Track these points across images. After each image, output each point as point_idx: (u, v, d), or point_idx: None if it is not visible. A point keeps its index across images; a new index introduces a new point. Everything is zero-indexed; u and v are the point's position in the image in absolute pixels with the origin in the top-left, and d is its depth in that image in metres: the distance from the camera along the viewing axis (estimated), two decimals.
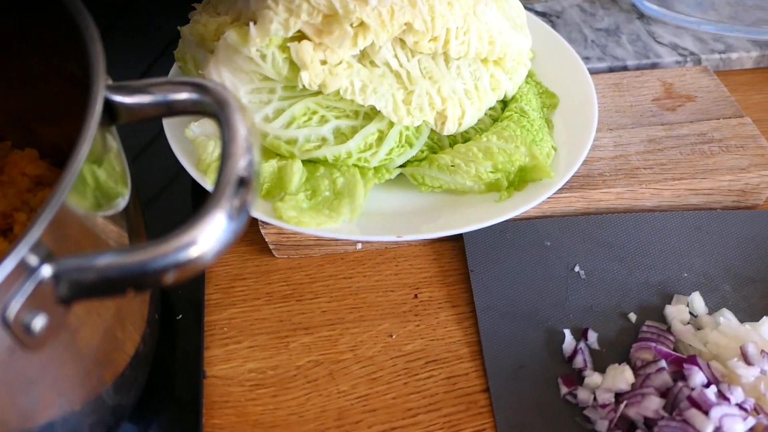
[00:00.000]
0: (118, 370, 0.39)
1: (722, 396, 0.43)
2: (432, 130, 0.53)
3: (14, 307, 0.27)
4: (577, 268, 0.53)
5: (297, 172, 0.50)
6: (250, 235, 0.55)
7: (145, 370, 0.44)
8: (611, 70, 0.70)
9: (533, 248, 0.54)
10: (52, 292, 0.28)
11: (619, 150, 0.59)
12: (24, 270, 0.27)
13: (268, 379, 0.48)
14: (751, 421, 0.41)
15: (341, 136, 0.51)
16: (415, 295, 0.53)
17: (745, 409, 0.42)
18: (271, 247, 0.53)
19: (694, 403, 0.42)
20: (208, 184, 0.50)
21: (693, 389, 0.43)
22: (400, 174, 0.53)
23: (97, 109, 0.32)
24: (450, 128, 0.51)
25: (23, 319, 0.28)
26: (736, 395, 0.43)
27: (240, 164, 0.32)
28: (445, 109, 0.51)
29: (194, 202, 0.59)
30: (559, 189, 0.53)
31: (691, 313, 0.51)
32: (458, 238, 0.55)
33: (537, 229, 0.55)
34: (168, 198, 0.60)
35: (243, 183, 0.32)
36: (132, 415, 0.45)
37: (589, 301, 0.52)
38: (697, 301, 0.51)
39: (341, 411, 0.46)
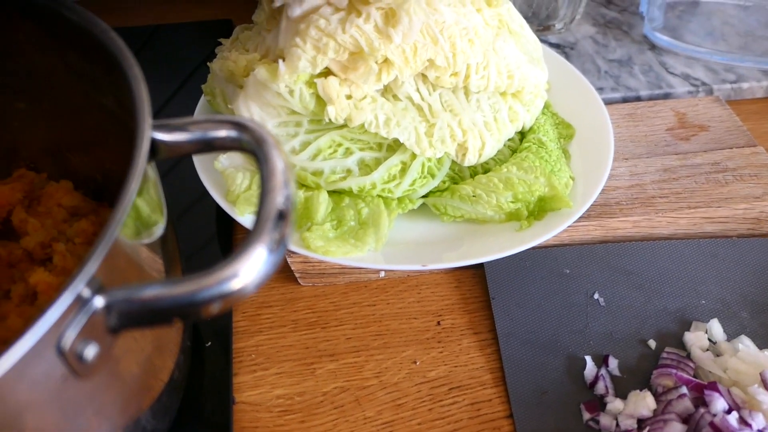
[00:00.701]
0: (155, 395, 0.40)
1: (744, 422, 0.43)
2: (453, 162, 0.54)
3: (69, 337, 0.28)
4: (596, 296, 0.54)
5: (323, 202, 0.51)
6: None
7: (178, 396, 0.45)
8: (625, 100, 0.72)
9: (553, 276, 0.55)
10: (104, 322, 0.30)
11: (635, 179, 0.60)
12: (79, 302, 0.28)
13: (295, 405, 0.49)
14: None
15: (365, 168, 0.52)
16: (438, 322, 0.54)
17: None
18: (297, 275, 0.55)
19: (717, 430, 0.43)
20: (237, 214, 0.51)
21: (715, 415, 0.44)
22: (423, 204, 0.55)
23: (144, 147, 0.33)
24: (471, 159, 0.53)
25: (77, 348, 0.29)
26: (758, 421, 0.43)
27: (279, 198, 0.34)
28: (466, 141, 0.52)
29: (218, 226, 0.61)
30: (578, 218, 0.55)
31: (710, 339, 0.52)
32: (479, 266, 0.57)
33: (556, 257, 0.56)
34: (192, 220, 0.61)
35: (282, 216, 0.34)
36: None
37: (609, 328, 0.53)
38: (716, 327, 0.52)
39: None
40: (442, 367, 0.51)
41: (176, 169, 0.65)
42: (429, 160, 0.53)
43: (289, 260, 0.53)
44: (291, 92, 0.50)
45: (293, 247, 0.50)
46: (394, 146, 0.53)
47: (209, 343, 0.52)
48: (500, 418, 0.48)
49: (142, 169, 0.32)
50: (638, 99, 0.72)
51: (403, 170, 0.52)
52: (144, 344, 0.38)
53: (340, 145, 0.52)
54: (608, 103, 0.69)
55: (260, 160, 0.36)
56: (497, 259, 0.56)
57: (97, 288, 0.29)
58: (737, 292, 0.55)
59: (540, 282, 0.55)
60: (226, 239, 0.60)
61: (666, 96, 0.73)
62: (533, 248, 0.57)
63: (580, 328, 0.53)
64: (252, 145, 0.37)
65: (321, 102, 0.50)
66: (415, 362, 0.51)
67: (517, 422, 0.48)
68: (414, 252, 0.51)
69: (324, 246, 0.49)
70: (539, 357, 0.51)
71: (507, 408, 0.49)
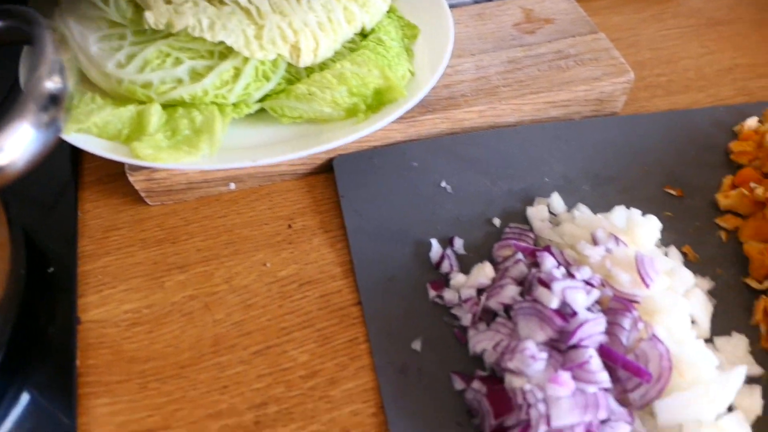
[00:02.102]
0: None
1: (570, 276, 0.45)
2: (289, 64, 0.54)
3: None
4: (443, 184, 0.55)
5: (155, 114, 0.50)
6: (123, 187, 0.55)
7: (7, 326, 0.44)
8: (476, 2, 0.72)
9: (401, 170, 0.56)
10: None
11: (480, 72, 0.61)
12: None
13: (143, 317, 0.48)
14: (595, 294, 0.44)
15: (197, 77, 0.51)
16: (289, 225, 0.54)
17: (591, 284, 0.45)
18: (142, 194, 0.54)
19: (543, 283, 0.44)
20: (64, 132, 0.50)
21: (544, 273, 0.46)
22: (263, 109, 0.54)
23: None
24: (306, 60, 0.53)
25: None
26: (582, 273, 0.45)
27: (48, 82, 0.33)
28: (298, 42, 0.52)
29: None
30: (424, 112, 0.55)
31: (551, 212, 0.54)
32: (330, 169, 0.57)
33: (404, 152, 0.57)
34: None
35: (54, 100, 0.33)
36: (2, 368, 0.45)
37: (456, 213, 0.54)
38: (556, 200, 0.54)
39: (217, 338, 0.47)
40: (293, 266, 0.51)
41: None
42: (262, 63, 0.52)
43: (131, 179, 0.52)
44: (105, 1, 0.48)
45: (121, 158, 0.49)
46: (226, 53, 0.52)
47: (52, 269, 0.51)
48: (349, 306, 0.49)
49: None
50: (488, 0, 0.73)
51: (236, 75, 0.51)
52: None
53: (168, 55, 0.51)
54: (459, 6, 0.69)
55: (33, 42, 0.35)
56: (346, 159, 0.56)
57: None
58: (579, 169, 0.57)
59: (388, 177, 0.56)
60: None
61: None
62: (381, 146, 0.57)
63: (428, 216, 0.54)
64: (25, 30, 0.35)
65: (139, 9, 0.49)
66: (266, 264, 0.51)
67: (366, 307, 0.48)
68: (249, 152, 0.51)
69: (154, 154, 0.48)
70: (387, 246, 0.52)
71: (356, 296, 0.50)
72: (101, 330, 0.48)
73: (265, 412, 0.44)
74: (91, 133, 0.50)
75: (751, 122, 0.60)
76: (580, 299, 0.43)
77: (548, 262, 0.46)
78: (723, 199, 0.55)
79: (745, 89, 0.66)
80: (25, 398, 0.44)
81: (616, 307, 0.44)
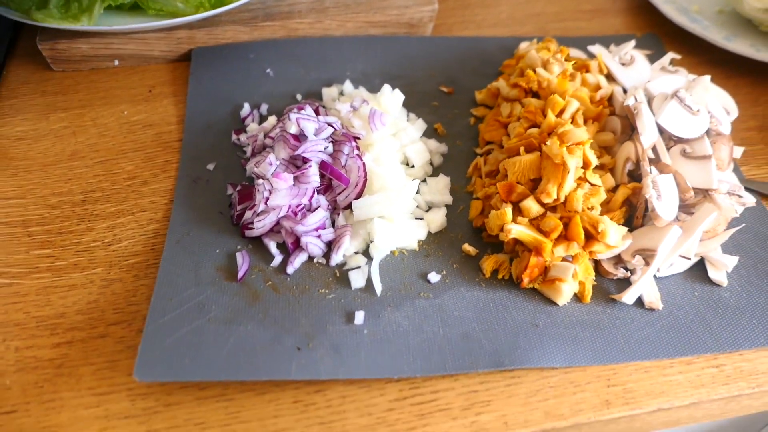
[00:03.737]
0: None
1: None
2: None
3: None
4: (268, 70, 0.74)
5: None
6: (38, 60, 0.76)
7: None
8: None
9: (240, 61, 0.75)
10: None
11: None
12: None
13: (28, 135, 0.68)
14: (327, 129, 0.61)
15: None
16: (150, 90, 0.73)
17: (330, 125, 0.61)
18: (49, 61, 0.74)
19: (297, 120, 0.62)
20: None
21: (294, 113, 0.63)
22: (137, 5, 0.73)
23: None
24: None
25: None
26: (328, 118, 0.62)
27: None
28: None
29: None
30: (266, 19, 0.74)
31: (341, 93, 0.71)
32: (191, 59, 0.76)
33: (246, 48, 0.76)
34: None
35: None
36: None
37: (271, 89, 0.72)
38: (348, 85, 0.71)
39: (74, 152, 0.66)
40: (144, 114, 0.70)
41: None
42: None
43: (39, 47, 0.72)
44: None
45: (22, 19, 0.68)
46: None
47: None
48: (173, 141, 0.68)
49: None
50: None
51: None
52: None
53: None
54: None
55: None
56: (203, 50, 0.75)
57: None
58: (377, 69, 0.74)
59: (230, 64, 0.74)
60: None
61: None
62: (232, 43, 0.76)
63: (250, 91, 0.72)
64: None
65: None
66: (124, 113, 0.70)
67: (184, 142, 0.67)
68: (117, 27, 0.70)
69: (43, 18, 0.68)
70: (214, 107, 0.70)
71: (180, 135, 0.68)
72: None
73: (91, 195, 0.62)
74: (8, 6, 0.70)
75: (524, 45, 0.76)
76: (310, 127, 0.60)
77: (307, 108, 0.63)
78: (478, 95, 0.71)
79: (543, 29, 0.83)
80: None
81: (341, 139, 0.61)
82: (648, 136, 0.58)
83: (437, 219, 0.60)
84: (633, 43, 0.71)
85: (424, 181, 0.63)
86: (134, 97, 0.72)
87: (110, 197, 0.62)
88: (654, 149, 0.59)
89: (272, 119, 0.66)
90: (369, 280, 0.55)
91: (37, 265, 0.56)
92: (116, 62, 0.75)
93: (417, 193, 0.62)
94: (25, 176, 0.64)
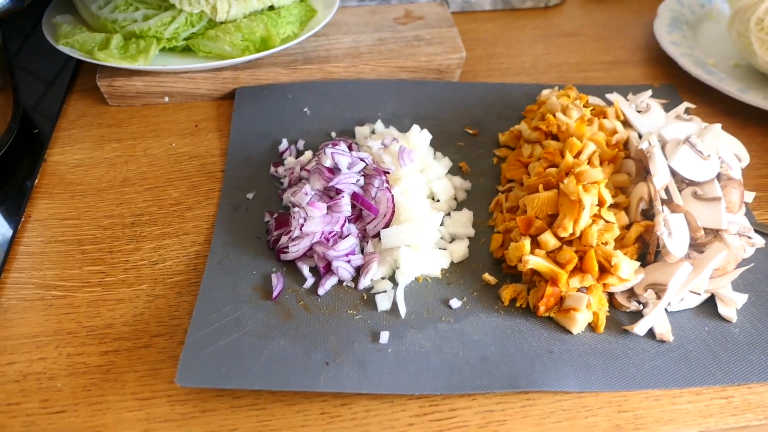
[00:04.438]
0: None
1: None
2: (210, 18, 0.80)
3: None
4: (305, 109, 0.79)
5: (116, 39, 0.77)
6: (96, 95, 0.82)
7: None
8: (360, 4, 0.96)
9: (279, 99, 0.80)
10: None
11: (354, 44, 0.85)
12: None
13: (84, 163, 0.74)
14: (359, 163, 0.65)
15: (146, 18, 0.78)
16: (196, 125, 0.79)
17: (363, 160, 0.66)
18: (105, 96, 0.80)
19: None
20: (54, 41, 0.78)
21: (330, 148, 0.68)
22: (188, 48, 0.80)
23: None
24: (220, 16, 0.79)
25: None
26: (361, 153, 0.67)
27: None
28: (216, 4, 0.78)
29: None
30: (304, 62, 0.80)
31: (373, 132, 0.76)
32: (234, 95, 0.82)
33: (285, 89, 0.82)
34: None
35: None
36: None
37: (307, 127, 0.77)
38: (379, 124, 0.77)
39: (125, 179, 0.72)
40: (190, 147, 0.76)
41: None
42: (191, 15, 0.78)
43: (98, 83, 0.79)
44: None
45: (83, 57, 0.75)
46: (168, 6, 0.79)
47: (36, 130, 0.77)
48: (217, 172, 0.73)
49: None
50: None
51: (172, 20, 0.78)
52: None
53: (130, 4, 0.78)
54: (360, 6, 0.94)
55: None
56: (245, 90, 0.81)
57: None
58: (406, 110, 0.80)
59: (270, 102, 0.80)
60: None
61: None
62: (271, 84, 0.82)
63: (288, 127, 0.77)
64: None
65: None
66: (172, 144, 0.76)
67: (226, 172, 0.72)
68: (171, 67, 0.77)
69: (105, 58, 0.75)
70: (254, 141, 0.76)
71: (223, 167, 0.73)
72: (56, 167, 0.73)
73: (140, 219, 0.68)
74: (74, 47, 0.77)
75: (546, 91, 0.81)
76: (344, 161, 0.65)
77: (341, 144, 0.68)
78: (501, 137, 0.76)
79: (564, 78, 0.87)
80: None
81: (372, 173, 0.65)
82: (660, 177, 0.61)
83: (460, 250, 0.63)
84: (650, 92, 0.76)
85: (449, 214, 0.68)
86: (182, 130, 0.78)
87: (157, 221, 0.67)
88: (666, 190, 0.62)
89: (308, 154, 0.71)
90: (394, 304, 0.58)
91: (89, 280, 0.61)
92: (166, 99, 0.82)
93: (441, 225, 0.66)
94: (81, 199, 0.69)
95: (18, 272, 0.62)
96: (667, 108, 0.77)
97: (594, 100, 0.77)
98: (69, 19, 0.81)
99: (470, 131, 0.78)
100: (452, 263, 0.63)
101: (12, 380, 0.53)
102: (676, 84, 0.87)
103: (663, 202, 0.62)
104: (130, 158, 0.75)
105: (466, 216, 0.67)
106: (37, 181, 0.71)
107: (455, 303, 0.59)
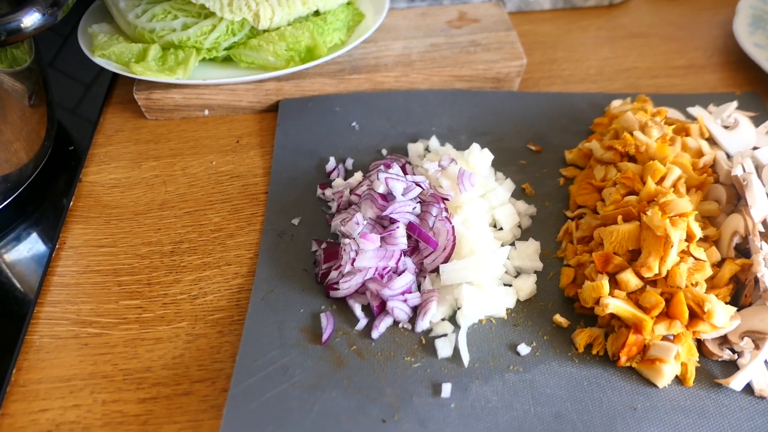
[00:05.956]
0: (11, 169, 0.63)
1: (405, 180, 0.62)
2: (253, 26, 0.75)
3: None
4: (354, 124, 0.73)
5: (153, 50, 0.73)
6: (133, 108, 0.78)
7: (26, 175, 0.67)
8: (409, 6, 0.90)
9: (326, 112, 0.75)
10: None
11: (405, 51, 0.79)
12: None
13: (121, 183, 0.70)
14: (415, 188, 0.59)
15: (185, 28, 0.73)
16: (237, 141, 0.74)
17: (419, 185, 0.60)
18: (143, 110, 0.76)
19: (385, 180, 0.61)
20: (90, 53, 0.73)
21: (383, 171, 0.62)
22: (229, 57, 0.75)
23: None
24: (263, 24, 0.74)
25: None
26: (416, 178, 0.61)
27: None
28: (258, 10, 0.73)
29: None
30: (352, 72, 0.74)
31: (427, 150, 0.70)
32: (278, 109, 0.77)
33: (332, 100, 0.76)
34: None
35: (55, 3, 0.56)
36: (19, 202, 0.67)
37: (356, 143, 0.72)
38: (434, 141, 0.71)
39: (164, 201, 0.68)
40: (231, 165, 0.71)
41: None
42: (232, 23, 0.73)
43: (135, 96, 0.75)
44: None
45: (120, 71, 0.71)
46: (209, 14, 0.74)
47: (72, 147, 0.73)
48: (260, 194, 0.68)
49: None
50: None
51: (212, 29, 0.73)
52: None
53: (169, 12, 0.73)
54: (409, 8, 0.88)
55: None
56: (289, 102, 0.76)
57: None
58: (463, 124, 0.73)
59: (315, 116, 0.75)
60: None
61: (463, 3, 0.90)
62: (317, 95, 0.76)
63: (335, 144, 0.72)
64: None
65: None
66: (212, 162, 0.72)
67: (269, 194, 0.67)
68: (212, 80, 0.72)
69: (143, 71, 0.70)
70: (299, 159, 0.70)
71: (266, 188, 0.68)
72: (92, 187, 0.69)
73: (179, 246, 0.63)
74: (110, 58, 0.73)
75: (616, 102, 0.73)
76: (398, 187, 0.59)
77: (394, 166, 0.63)
78: (568, 154, 0.69)
79: (634, 85, 0.80)
80: (33, 217, 0.66)
81: (429, 200, 0.59)
82: (759, 209, 0.54)
83: (527, 286, 0.57)
84: (735, 104, 0.68)
85: (513, 244, 0.61)
86: (222, 147, 0.74)
87: (197, 249, 0.63)
88: (765, 223, 0.55)
89: (358, 175, 0.66)
90: (456, 350, 0.53)
91: (126, 316, 0.57)
92: (206, 112, 0.77)
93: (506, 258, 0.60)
94: (117, 224, 0.65)
95: (52, 306, 0.58)
96: (756, 122, 0.69)
97: (673, 113, 0.69)
98: (105, 28, 0.77)
99: (533, 147, 0.71)
100: (518, 302, 0.57)
101: (44, 430, 0.50)
102: (761, 92, 0.79)
103: (762, 236, 0.54)
104: (168, 178, 0.70)
105: (533, 247, 0.60)
106: (72, 203, 0.68)
107: (524, 349, 0.53)
